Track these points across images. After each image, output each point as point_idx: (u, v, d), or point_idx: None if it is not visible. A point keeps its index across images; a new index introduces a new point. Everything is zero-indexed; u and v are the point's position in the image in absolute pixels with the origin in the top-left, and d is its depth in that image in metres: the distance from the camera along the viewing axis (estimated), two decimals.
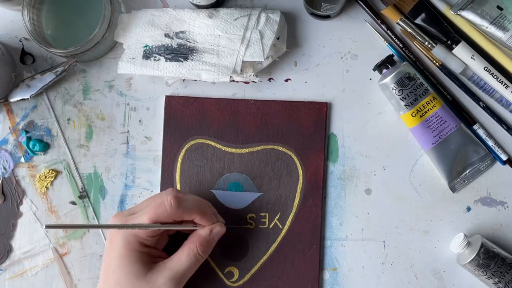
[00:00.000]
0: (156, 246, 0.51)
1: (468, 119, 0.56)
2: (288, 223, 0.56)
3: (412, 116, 0.54)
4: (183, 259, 0.49)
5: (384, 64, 0.55)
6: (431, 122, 0.54)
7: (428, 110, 0.54)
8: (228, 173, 0.56)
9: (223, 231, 0.51)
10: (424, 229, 0.56)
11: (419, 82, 0.54)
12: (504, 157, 0.56)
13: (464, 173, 0.56)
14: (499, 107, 0.57)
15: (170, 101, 0.57)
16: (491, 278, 0.52)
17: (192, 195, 0.51)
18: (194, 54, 0.55)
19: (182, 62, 0.55)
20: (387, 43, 0.57)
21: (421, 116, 0.54)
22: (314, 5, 0.54)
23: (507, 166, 0.56)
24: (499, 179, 0.56)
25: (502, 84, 0.55)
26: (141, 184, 0.57)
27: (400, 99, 0.54)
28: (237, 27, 0.55)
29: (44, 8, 0.56)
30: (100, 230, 0.57)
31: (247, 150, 0.57)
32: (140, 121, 0.58)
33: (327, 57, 0.58)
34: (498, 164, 0.57)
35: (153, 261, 0.49)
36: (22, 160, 0.58)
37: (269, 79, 0.58)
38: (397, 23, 0.57)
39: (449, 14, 0.56)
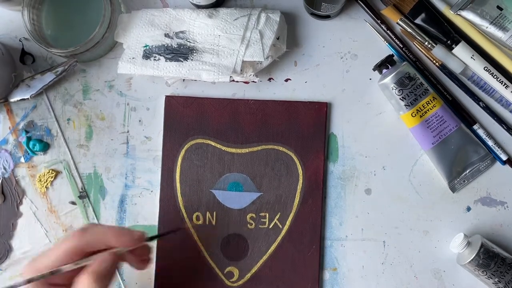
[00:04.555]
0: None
1: (468, 119, 0.56)
2: (288, 223, 0.56)
3: (412, 116, 0.54)
4: None
5: (384, 64, 0.55)
6: (431, 122, 0.54)
7: (428, 110, 0.54)
8: (228, 173, 0.56)
9: (113, 264, 0.44)
10: (424, 229, 0.56)
11: (419, 82, 0.54)
12: (504, 157, 0.56)
13: (464, 173, 0.56)
14: (499, 107, 0.57)
15: (170, 101, 0.57)
16: (491, 278, 0.52)
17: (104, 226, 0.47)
18: (194, 54, 0.55)
19: (182, 62, 0.55)
20: (387, 43, 0.57)
21: (421, 116, 0.54)
22: (314, 5, 0.54)
23: (507, 166, 0.56)
24: (499, 179, 0.56)
25: (502, 84, 0.55)
26: (141, 184, 0.57)
27: (400, 99, 0.54)
28: (237, 27, 0.55)
29: (44, 8, 0.56)
30: None
31: (247, 150, 0.57)
32: (140, 121, 0.58)
33: (327, 57, 0.58)
34: (498, 164, 0.57)
35: None
36: (22, 160, 0.58)
37: (269, 79, 0.58)
38: (397, 23, 0.57)
39: (449, 14, 0.56)
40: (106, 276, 0.43)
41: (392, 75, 0.54)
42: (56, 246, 0.43)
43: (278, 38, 0.56)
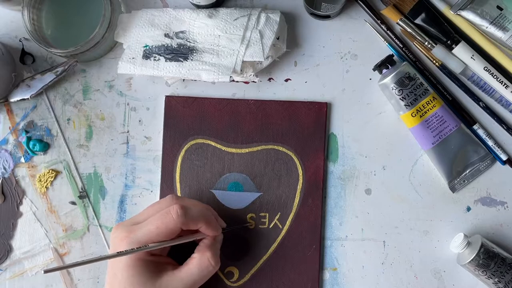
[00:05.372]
0: (162, 253, 0.51)
1: (468, 119, 0.56)
2: (288, 223, 0.56)
3: (412, 116, 0.54)
4: (194, 271, 0.48)
5: (384, 64, 0.55)
6: (431, 122, 0.54)
7: (428, 110, 0.54)
8: (228, 173, 0.56)
9: (222, 238, 0.52)
10: (424, 229, 0.56)
11: (419, 82, 0.54)
12: (504, 157, 0.56)
13: (464, 173, 0.56)
14: (499, 107, 0.57)
15: (170, 101, 0.57)
16: (491, 278, 0.52)
17: (194, 202, 0.51)
18: (194, 54, 0.55)
19: (182, 62, 0.55)
20: (387, 43, 0.57)
21: (421, 116, 0.54)
22: (314, 5, 0.54)
23: (507, 166, 0.56)
24: (499, 179, 0.56)
25: (502, 84, 0.55)
26: (141, 184, 0.57)
27: (400, 99, 0.54)
28: (237, 27, 0.55)
29: (44, 8, 0.56)
30: (100, 230, 0.57)
31: (247, 150, 0.57)
32: (140, 121, 0.58)
33: (327, 57, 0.58)
34: (498, 164, 0.57)
35: (161, 269, 0.48)
36: (22, 160, 0.58)
37: (269, 79, 0.58)
38: (397, 23, 0.57)
39: (449, 14, 0.56)
40: (218, 252, 0.50)
41: (392, 75, 0.54)
42: (158, 220, 0.46)
43: (278, 38, 0.56)
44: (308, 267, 0.55)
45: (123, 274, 0.46)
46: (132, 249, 0.45)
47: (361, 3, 0.57)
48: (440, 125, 0.55)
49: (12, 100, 0.56)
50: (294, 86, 0.58)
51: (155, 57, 0.55)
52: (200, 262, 0.48)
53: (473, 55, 0.55)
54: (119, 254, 0.44)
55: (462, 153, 0.55)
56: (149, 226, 0.46)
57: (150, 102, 0.58)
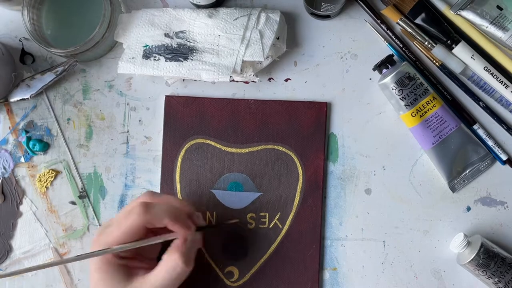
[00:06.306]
0: (138, 257, 0.49)
1: (468, 119, 0.56)
2: (288, 223, 0.56)
3: (412, 116, 0.54)
4: (162, 274, 0.46)
5: (384, 64, 0.55)
6: (431, 122, 0.54)
7: (428, 110, 0.54)
8: (228, 173, 0.56)
9: (198, 237, 0.49)
10: (424, 229, 0.56)
11: (419, 82, 0.54)
12: (504, 157, 0.56)
13: (464, 173, 0.56)
14: (499, 107, 0.57)
15: (170, 101, 0.57)
16: (491, 278, 0.52)
17: (169, 199, 0.49)
18: (194, 54, 0.55)
19: (182, 62, 0.55)
20: (387, 43, 0.57)
21: (421, 116, 0.54)
22: (314, 5, 0.54)
23: (507, 166, 0.56)
24: (499, 179, 0.56)
25: (502, 84, 0.55)
26: (141, 184, 0.57)
27: (400, 99, 0.54)
28: (237, 27, 0.55)
29: (44, 8, 0.56)
30: None
31: (247, 150, 0.57)
32: (140, 121, 0.58)
33: (327, 57, 0.58)
34: (498, 164, 0.57)
35: (132, 273, 0.46)
36: (22, 160, 0.58)
37: (269, 79, 0.58)
38: (397, 23, 0.57)
39: (449, 14, 0.56)
40: (191, 253, 0.48)
41: (392, 75, 0.54)
42: (121, 220, 0.45)
43: (278, 38, 0.56)
44: (308, 267, 0.55)
45: (96, 276, 0.46)
46: (92, 252, 0.44)
47: (361, 3, 0.57)
48: (440, 125, 0.55)
49: (12, 100, 0.56)
50: (294, 86, 0.58)
51: (155, 57, 0.55)
52: (167, 264, 0.46)
53: (473, 55, 0.55)
54: (78, 257, 0.44)
55: (462, 153, 0.55)
56: (113, 227, 0.45)
57: (150, 102, 0.58)
